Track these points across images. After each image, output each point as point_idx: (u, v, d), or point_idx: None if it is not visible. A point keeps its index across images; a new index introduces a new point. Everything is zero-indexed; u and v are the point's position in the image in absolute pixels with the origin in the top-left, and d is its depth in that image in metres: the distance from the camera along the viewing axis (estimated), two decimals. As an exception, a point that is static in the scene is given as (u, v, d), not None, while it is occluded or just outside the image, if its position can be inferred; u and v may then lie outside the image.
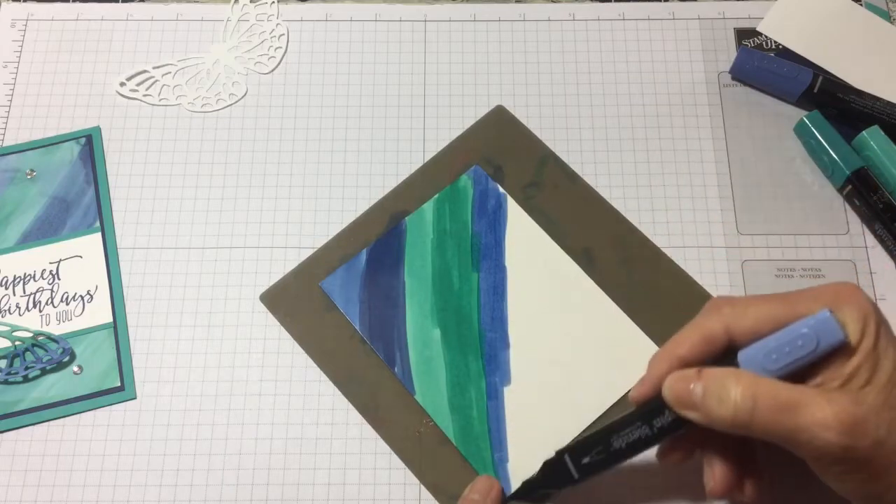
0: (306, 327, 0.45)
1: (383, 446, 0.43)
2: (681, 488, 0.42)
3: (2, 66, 0.52)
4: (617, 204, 0.48)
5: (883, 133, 0.47)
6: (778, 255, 0.47)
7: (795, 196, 0.48)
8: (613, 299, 0.45)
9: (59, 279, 0.46)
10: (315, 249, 0.47)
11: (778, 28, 0.52)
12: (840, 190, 0.48)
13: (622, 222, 0.47)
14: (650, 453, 0.37)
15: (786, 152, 0.49)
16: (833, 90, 0.48)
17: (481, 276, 0.46)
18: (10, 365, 0.44)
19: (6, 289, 0.46)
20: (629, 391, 0.37)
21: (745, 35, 0.52)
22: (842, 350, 0.33)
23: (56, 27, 0.53)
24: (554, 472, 0.38)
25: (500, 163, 0.49)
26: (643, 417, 0.36)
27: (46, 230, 0.47)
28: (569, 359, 0.44)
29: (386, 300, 0.45)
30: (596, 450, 0.37)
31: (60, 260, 0.47)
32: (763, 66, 0.49)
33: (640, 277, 0.46)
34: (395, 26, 0.53)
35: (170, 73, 0.51)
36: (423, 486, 0.42)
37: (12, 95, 0.51)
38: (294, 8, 0.54)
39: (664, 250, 0.47)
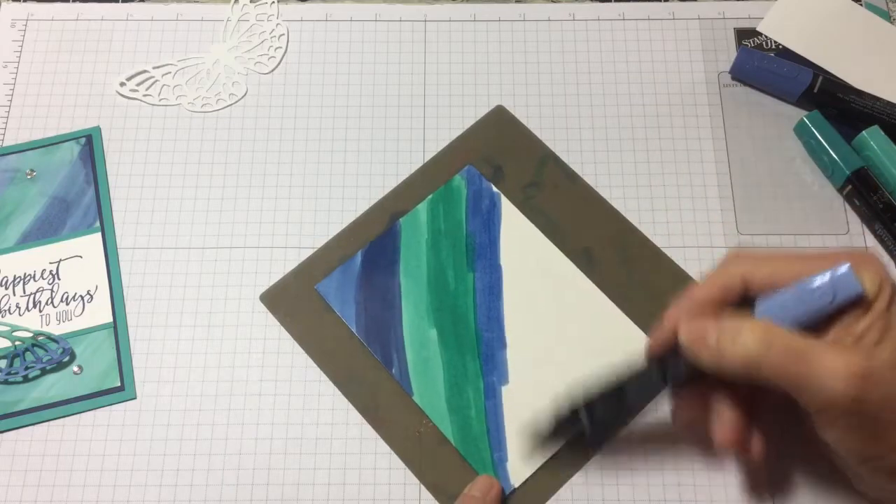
0: (306, 327, 0.45)
1: (383, 446, 0.43)
2: (695, 457, 0.42)
3: (2, 66, 0.52)
4: (617, 204, 0.48)
5: (883, 133, 0.47)
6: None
7: (795, 196, 0.48)
8: (613, 299, 0.45)
9: (59, 279, 0.46)
10: (315, 249, 0.47)
11: (778, 28, 0.52)
12: (840, 190, 0.48)
13: (622, 222, 0.47)
14: (662, 420, 0.37)
15: (786, 152, 0.49)
16: (833, 90, 0.48)
17: (476, 276, 0.46)
18: (10, 365, 0.44)
19: (6, 289, 0.46)
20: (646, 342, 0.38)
21: (745, 35, 0.52)
22: (856, 307, 0.33)
23: (56, 27, 0.53)
24: (566, 423, 0.39)
25: (500, 163, 0.49)
26: (657, 365, 0.37)
27: (46, 230, 0.47)
28: (566, 357, 0.44)
29: (382, 301, 0.45)
30: (609, 401, 0.38)
31: (60, 260, 0.47)
32: (763, 66, 0.49)
33: (639, 277, 0.46)
34: (395, 26, 0.53)
35: (170, 73, 0.52)
36: (423, 486, 0.42)
37: (12, 95, 0.51)
38: (294, 8, 0.54)
39: (664, 250, 0.47)
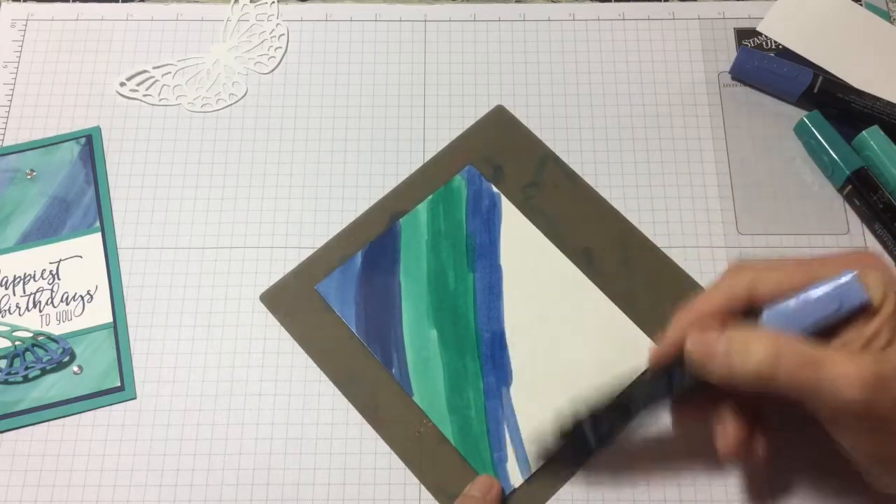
0: (306, 327, 0.45)
1: (383, 446, 0.43)
2: (694, 457, 0.42)
3: (2, 66, 0.52)
4: (617, 204, 0.48)
5: (883, 133, 0.47)
6: (778, 255, 0.46)
7: (795, 196, 0.48)
8: (613, 299, 0.45)
9: (59, 279, 0.46)
10: (315, 249, 0.47)
11: (778, 28, 0.52)
12: (840, 190, 0.48)
13: (622, 222, 0.47)
14: (663, 422, 0.38)
15: (786, 152, 0.49)
16: (833, 90, 0.48)
17: (477, 276, 0.46)
18: (10, 365, 0.44)
19: (6, 289, 0.46)
20: (649, 354, 0.38)
21: (745, 35, 0.52)
22: (864, 312, 0.33)
23: (56, 27, 0.53)
24: (571, 439, 0.39)
25: (500, 163, 0.49)
26: (661, 376, 0.37)
27: (46, 230, 0.47)
28: (566, 357, 0.44)
29: (382, 302, 0.45)
30: (613, 414, 0.38)
31: (60, 260, 0.47)
32: (763, 66, 0.49)
33: (639, 277, 0.46)
34: (395, 26, 0.53)
35: (170, 73, 0.52)
36: (423, 486, 0.42)
37: (12, 95, 0.51)
38: (294, 8, 0.54)
39: (664, 250, 0.47)
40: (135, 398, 0.44)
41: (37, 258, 0.47)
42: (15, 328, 0.45)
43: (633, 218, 0.47)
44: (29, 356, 0.44)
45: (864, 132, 0.47)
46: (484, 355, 0.44)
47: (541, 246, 0.47)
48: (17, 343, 0.44)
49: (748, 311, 0.36)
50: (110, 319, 0.45)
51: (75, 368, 0.44)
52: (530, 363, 0.44)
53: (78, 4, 0.53)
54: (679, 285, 0.46)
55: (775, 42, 0.52)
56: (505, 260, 0.46)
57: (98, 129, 0.50)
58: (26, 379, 0.44)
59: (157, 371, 0.44)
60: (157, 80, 0.51)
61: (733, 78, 0.51)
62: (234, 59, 0.52)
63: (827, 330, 0.34)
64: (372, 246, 0.47)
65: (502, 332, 0.45)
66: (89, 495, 0.42)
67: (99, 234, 0.47)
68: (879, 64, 0.51)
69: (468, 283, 0.46)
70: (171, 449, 0.43)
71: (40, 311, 0.46)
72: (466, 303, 0.45)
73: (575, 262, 0.46)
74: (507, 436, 0.43)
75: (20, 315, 0.46)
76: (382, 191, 0.48)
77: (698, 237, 0.47)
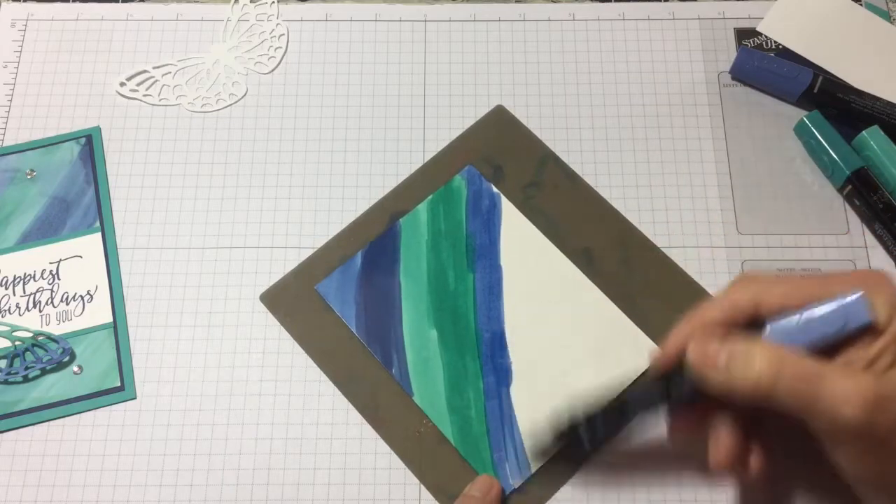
0: (306, 327, 0.45)
1: (383, 446, 0.43)
2: (695, 458, 0.42)
3: (2, 66, 0.52)
4: (617, 204, 0.48)
5: (883, 133, 0.47)
6: (778, 255, 0.46)
7: (795, 196, 0.48)
8: (613, 299, 0.45)
9: (59, 279, 0.46)
10: (315, 249, 0.47)
11: (778, 28, 0.52)
12: (840, 190, 0.48)
13: (622, 222, 0.47)
14: (662, 422, 0.38)
15: (786, 152, 0.49)
16: (833, 90, 0.48)
17: (477, 276, 0.46)
18: (10, 365, 0.44)
19: (6, 289, 0.46)
20: (651, 359, 0.38)
21: (745, 35, 0.52)
22: (869, 332, 0.33)
23: (56, 27, 0.53)
24: (565, 439, 0.39)
25: (500, 163, 0.49)
26: (661, 381, 0.37)
27: (46, 230, 0.47)
28: (566, 357, 0.44)
29: (382, 302, 0.45)
30: (609, 416, 0.38)
31: (60, 260, 0.47)
32: (763, 66, 0.49)
33: (639, 277, 0.46)
34: (395, 26, 0.53)
35: (170, 73, 0.52)
36: (423, 486, 0.42)
37: (12, 95, 0.51)
38: (294, 8, 0.54)
39: (664, 250, 0.47)
40: (135, 398, 0.44)
41: (37, 258, 0.47)
42: (15, 328, 0.45)
43: (633, 218, 0.47)
44: (29, 356, 0.44)
45: (864, 132, 0.47)
46: (484, 355, 0.44)
47: (541, 246, 0.47)
48: (17, 343, 0.44)
49: (752, 323, 0.35)
50: (110, 319, 0.45)
51: (75, 368, 0.44)
52: (530, 363, 0.44)
53: (78, 4, 0.53)
54: (679, 285, 0.46)
55: (775, 42, 0.52)
56: (505, 260, 0.46)
57: (98, 129, 0.50)
58: (26, 379, 0.44)
59: (157, 371, 0.45)
60: (157, 80, 0.51)
61: (733, 78, 0.51)
62: (234, 59, 0.52)
63: (830, 348, 0.33)
64: (372, 246, 0.47)
65: (502, 332, 0.45)
66: (89, 495, 0.42)
67: (99, 234, 0.47)
68: (879, 64, 0.51)
69: (468, 283, 0.46)
70: (171, 449, 0.43)
71: (40, 311, 0.46)
72: (466, 303, 0.45)
73: (575, 262, 0.46)
74: (507, 436, 0.43)
75: (20, 315, 0.46)
76: (382, 191, 0.48)
77: (698, 237, 0.47)
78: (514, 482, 0.42)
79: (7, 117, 0.50)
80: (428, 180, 0.48)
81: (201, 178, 0.49)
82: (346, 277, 0.46)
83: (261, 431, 0.43)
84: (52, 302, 0.46)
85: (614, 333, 0.45)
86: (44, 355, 0.44)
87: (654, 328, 0.44)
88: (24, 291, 0.46)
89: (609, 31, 0.52)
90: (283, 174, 0.49)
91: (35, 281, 0.46)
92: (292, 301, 0.46)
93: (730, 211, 0.48)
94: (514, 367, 0.44)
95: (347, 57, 0.52)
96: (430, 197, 0.48)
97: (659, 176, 0.48)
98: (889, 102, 0.48)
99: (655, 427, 0.42)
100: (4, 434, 0.43)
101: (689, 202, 0.48)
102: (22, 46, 0.52)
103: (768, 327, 0.35)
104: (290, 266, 0.47)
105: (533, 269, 0.46)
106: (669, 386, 0.36)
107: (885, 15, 0.52)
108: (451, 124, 0.50)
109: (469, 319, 0.45)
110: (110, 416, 0.44)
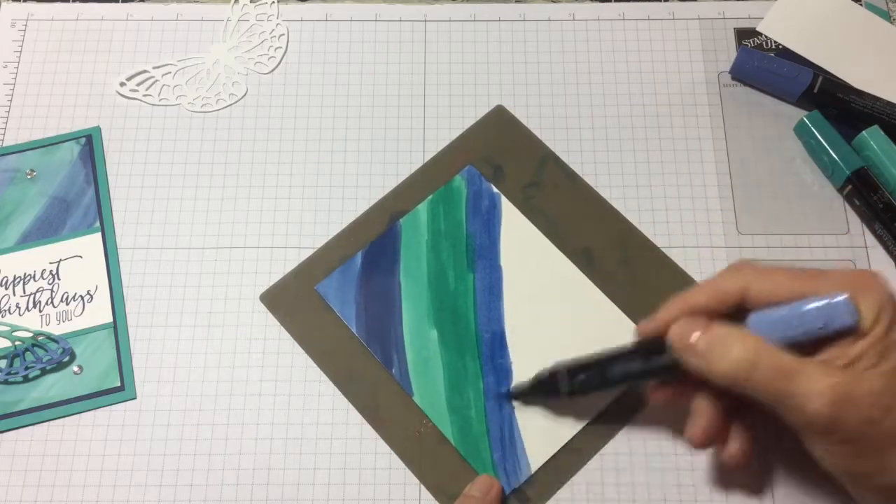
0: (306, 327, 0.45)
1: (383, 446, 0.43)
2: (695, 459, 0.43)
3: (2, 66, 0.52)
4: (617, 204, 0.48)
5: (883, 133, 0.47)
6: (778, 255, 0.46)
7: (795, 196, 0.48)
8: (613, 299, 0.45)
9: (59, 279, 0.46)
10: (315, 249, 0.47)
11: (778, 28, 0.52)
12: (840, 190, 0.48)
13: (622, 222, 0.47)
14: (662, 422, 0.39)
15: (786, 152, 0.49)
16: (833, 90, 0.48)
17: (477, 277, 0.46)
18: (10, 365, 0.44)
19: (6, 289, 0.46)
20: (636, 326, 0.40)
21: (745, 35, 0.52)
22: (852, 333, 0.33)
23: (56, 27, 0.53)
24: (546, 384, 0.41)
25: (500, 163, 0.49)
26: (643, 352, 0.38)
27: (46, 230, 0.47)
28: (565, 357, 0.44)
29: (382, 302, 0.45)
30: (590, 373, 0.39)
31: (60, 260, 0.47)
32: (763, 66, 0.49)
33: (639, 277, 0.46)
34: (395, 26, 0.53)
35: (170, 73, 0.52)
36: (423, 486, 0.42)
37: (12, 95, 0.51)
38: (294, 8, 0.54)
39: (664, 250, 0.47)
40: (135, 398, 0.44)
41: (37, 258, 0.47)
42: (15, 328, 0.45)
43: (633, 218, 0.47)
44: (29, 356, 0.44)
45: (864, 132, 0.47)
46: (484, 355, 0.44)
47: (541, 246, 0.47)
48: (17, 343, 0.44)
49: (738, 311, 0.36)
50: (110, 319, 0.45)
51: (75, 368, 0.44)
52: (530, 363, 0.44)
53: (78, 4, 0.53)
54: (679, 285, 0.46)
55: (775, 42, 0.52)
56: (505, 260, 0.46)
57: (98, 129, 0.50)
58: (26, 379, 0.44)
59: (157, 371, 0.45)
60: (157, 80, 0.51)
61: (733, 78, 0.51)
62: (234, 59, 0.52)
63: (811, 345, 0.34)
64: (372, 246, 0.47)
65: (502, 332, 0.45)
66: (89, 495, 0.42)
67: (99, 234, 0.47)
68: (879, 64, 0.51)
69: (468, 283, 0.46)
70: (171, 449, 0.43)
71: (40, 311, 0.46)
72: (466, 303, 0.45)
73: (575, 262, 0.46)
74: (507, 436, 0.43)
75: (20, 315, 0.46)
76: (382, 191, 0.48)
77: (698, 237, 0.47)
78: (514, 482, 0.42)
79: (7, 117, 0.50)
80: (428, 180, 0.48)
81: (201, 178, 0.49)
82: (346, 277, 0.46)
83: (261, 431, 0.43)
84: (52, 302, 0.46)
85: (614, 333, 0.44)
86: (44, 355, 0.44)
87: (654, 328, 0.44)
88: (24, 291, 0.46)
89: (609, 31, 0.52)
90: (283, 174, 0.49)
91: (35, 281, 0.46)
92: (292, 301, 0.46)
93: (730, 211, 0.48)
94: (514, 368, 0.44)
95: (347, 57, 0.52)
96: (430, 197, 0.48)
97: (659, 176, 0.48)
98: (889, 102, 0.48)
99: (656, 417, 0.43)
100: (4, 434, 0.43)
101: (688, 202, 0.48)
102: (22, 46, 0.52)
103: (751, 317, 0.35)
104: (290, 266, 0.47)
105: (533, 269, 0.46)
106: (650, 356, 0.38)
107: (885, 15, 0.52)
108: (451, 124, 0.50)
109: (469, 319, 0.45)
110: (110, 416, 0.44)
